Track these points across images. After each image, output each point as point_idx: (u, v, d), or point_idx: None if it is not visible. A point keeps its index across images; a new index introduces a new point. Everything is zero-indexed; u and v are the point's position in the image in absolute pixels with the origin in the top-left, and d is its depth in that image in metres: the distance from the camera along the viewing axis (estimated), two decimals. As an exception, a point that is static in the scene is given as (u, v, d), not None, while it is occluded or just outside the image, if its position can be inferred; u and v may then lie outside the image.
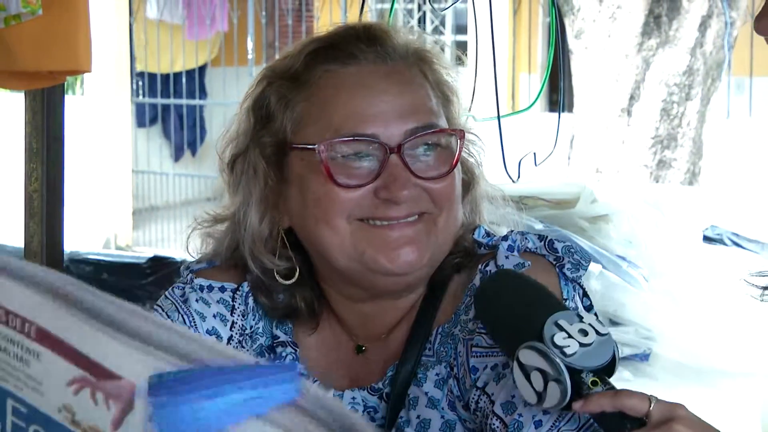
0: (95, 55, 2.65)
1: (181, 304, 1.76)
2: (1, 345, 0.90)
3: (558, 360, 1.38)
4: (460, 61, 1.89)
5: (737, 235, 5.41)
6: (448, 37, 12.33)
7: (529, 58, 11.50)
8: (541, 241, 1.68)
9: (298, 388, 0.80)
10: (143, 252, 9.20)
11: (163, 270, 6.13)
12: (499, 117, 2.62)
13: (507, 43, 10.99)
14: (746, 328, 4.18)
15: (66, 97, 3.01)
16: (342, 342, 1.75)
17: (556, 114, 2.95)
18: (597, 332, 1.41)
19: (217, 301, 1.76)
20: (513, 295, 1.50)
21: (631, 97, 7.70)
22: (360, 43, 1.69)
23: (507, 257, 1.66)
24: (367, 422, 0.79)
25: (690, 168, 7.80)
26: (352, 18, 8.23)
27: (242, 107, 1.75)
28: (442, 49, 1.78)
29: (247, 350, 1.76)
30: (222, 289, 1.78)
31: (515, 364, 1.42)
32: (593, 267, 4.16)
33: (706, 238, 5.27)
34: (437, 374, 1.64)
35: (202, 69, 12.29)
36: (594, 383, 1.39)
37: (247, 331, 1.76)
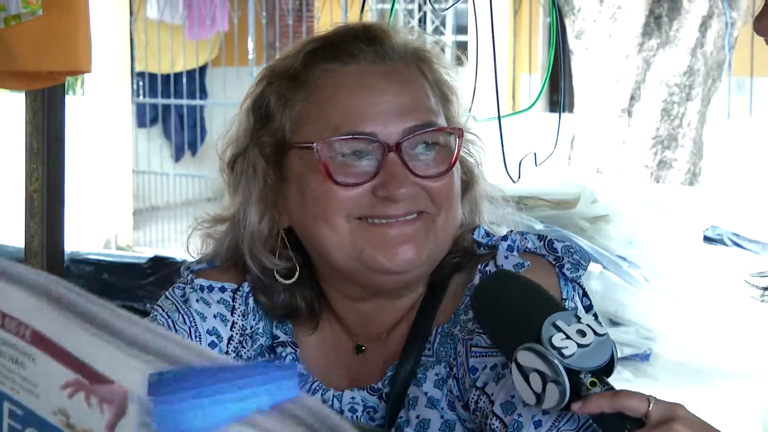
0: (96, 55, 2.66)
1: (181, 304, 1.76)
2: None
3: (556, 361, 1.38)
4: (459, 61, 1.90)
5: (738, 235, 5.41)
6: (449, 37, 12.33)
7: (530, 59, 11.50)
8: (540, 241, 1.68)
9: (298, 389, 0.80)
10: (144, 252, 9.21)
11: (164, 270, 6.13)
12: (499, 117, 2.62)
13: (507, 43, 10.99)
14: (746, 329, 4.18)
15: (66, 97, 3.02)
16: (342, 342, 1.75)
17: (557, 114, 2.95)
18: (595, 333, 1.41)
19: (218, 302, 1.77)
20: (510, 296, 1.49)
21: (632, 98, 7.70)
22: (359, 42, 1.69)
23: (506, 257, 1.66)
24: (350, 424, 0.79)
25: (690, 168, 7.80)
26: (353, 18, 8.23)
27: (242, 108, 1.75)
28: (443, 50, 1.79)
29: (248, 350, 1.77)
30: (222, 290, 1.78)
31: (513, 365, 1.42)
32: (594, 267, 4.16)
33: (707, 239, 5.27)
34: (437, 374, 1.64)
35: (202, 69, 12.29)
36: (593, 384, 1.39)
37: (247, 331, 1.77)
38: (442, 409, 1.62)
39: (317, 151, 1.63)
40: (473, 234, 1.72)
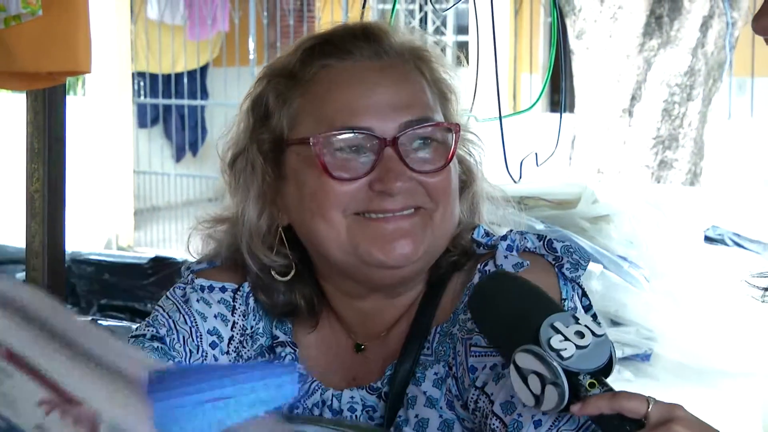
0: (96, 55, 2.66)
1: (182, 304, 1.76)
2: None
3: (555, 363, 1.38)
4: (460, 61, 1.90)
5: (738, 235, 5.41)
6: (450, 37, 12.33)
7: (531, 59, 11.50)
8: (540, 241, 1.68)
9: (297, 389, 0.81)
10: (145, 252, 9.21)
11: (165, 270, 6.13)
12: (500, 117, 2.62)
13: (508, 43, 10.99)
14: (747, 329, 4.18)
15: (67, 97, 3.02)
16: (341, 340, 1.76)
17: (558, 114, 2.95)
18: (593, 334, 1.40)
19: (218, 302, 1.77)
20: (508, 297, 1.49)
21: (633, 98, 7.70)
22: (357, 40, 1.69)
23: (506, 257, 1.66)
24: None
25: (691, 168, 7.79)
26: (354, 18, 8.22)
27: (242, 108, 1.76)
28: (443, 50, 1.79)
29: (248, 350, 1.77)
30: (223, 290, 1.78)
31: (512, 367, 1.42)
32: (594, 267, 4.16)
33: (708, 239, 5.27)
34: (436, 373, 1.64)
35: (203, 69, 12.30)
36: (592, 385, 1.38)
37: (247, 331, 1.77)
38: (440, 408, 1.62)
39: (313, 146, 1.63)
40: (473, 233, 1.72)
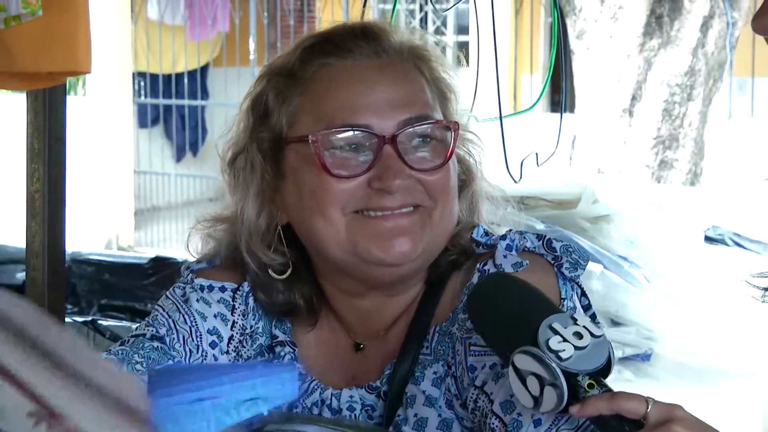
0: (97, 55, 2.66)
1: (182, 304, 1.76)
2: None
3: (554, 365, 1.38)
4: (460, 61, 1.90)
5: (739, 235, 5.41)
6: (450, 37, 12.33)
7: (531, 59, 11.50)
8: (539, 240, 1.68)
9: (298, 387, 0.81)
10: (145, 252, 9.21)
11: (165, 270, 6.13)
12: (501, 117, 2.62)
13: (509, 43, 10.99)
14: (747, 329, 4.18)
15: (68, 97, 3.02)
16: (340, 339, 1.76)
17: (558, 114, 2.95)
18: (591, 334, 1.40)
19: (218, 301, 1.77)
20: (506, 298, 1.49)
21: (633, 98, 7.70)
22: (356, 39, 1.70)
23: (505, 256, 1.66)
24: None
25: (692, 168, 7.79)
26: (354, 18, 8.23)
27: (242, 108, 1.76)
28: (444, 50, 1.79)
29: (248, 349, 1.77)
30: (222, 289, 1.78)
31: (511, 368, 1.42)
32: (594, 267, 4.16)
33: (708, 239, 5.26)
34: (435, 373, 1.64)
35: (203, 69, 12.30)
36: (590, 386, 1.38)
37: (247, 331, 1.77)
38: (439, 407, 1.63)
39: (313, 144, 1.63)
40: (472, 233, 1.72)
